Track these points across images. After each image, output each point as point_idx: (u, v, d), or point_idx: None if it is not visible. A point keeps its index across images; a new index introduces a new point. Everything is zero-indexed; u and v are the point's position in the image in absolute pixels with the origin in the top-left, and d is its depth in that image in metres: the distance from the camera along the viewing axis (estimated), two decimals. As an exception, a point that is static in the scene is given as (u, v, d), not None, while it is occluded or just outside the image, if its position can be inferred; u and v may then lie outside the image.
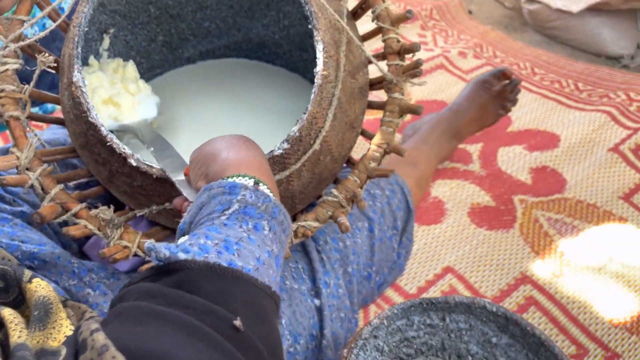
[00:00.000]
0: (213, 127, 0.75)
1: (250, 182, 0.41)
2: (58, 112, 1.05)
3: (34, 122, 0.96)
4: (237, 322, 0.32)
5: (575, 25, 1.41)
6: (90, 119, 0.52)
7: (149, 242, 0.37)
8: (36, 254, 0.58)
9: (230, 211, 0.39)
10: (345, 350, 0.57)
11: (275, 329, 0.36)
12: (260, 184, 0.41)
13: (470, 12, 1.56)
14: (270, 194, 0.41)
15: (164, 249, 0.36)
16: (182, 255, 0.35)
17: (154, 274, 0.36)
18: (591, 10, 1.37)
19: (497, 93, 0.97)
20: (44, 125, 0.99)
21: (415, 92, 1.23)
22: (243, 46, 0.84)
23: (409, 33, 1.44)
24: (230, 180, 0.40)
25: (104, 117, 0.64)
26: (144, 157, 0.53)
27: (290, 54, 0.83)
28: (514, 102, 0.98)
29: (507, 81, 0.96)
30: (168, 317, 0.31)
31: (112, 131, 0.62)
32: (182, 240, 0.38)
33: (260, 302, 0.35)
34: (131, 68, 0.70)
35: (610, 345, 0.78)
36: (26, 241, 0.59)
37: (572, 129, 1.12)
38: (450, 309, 0.63)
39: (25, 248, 0.58)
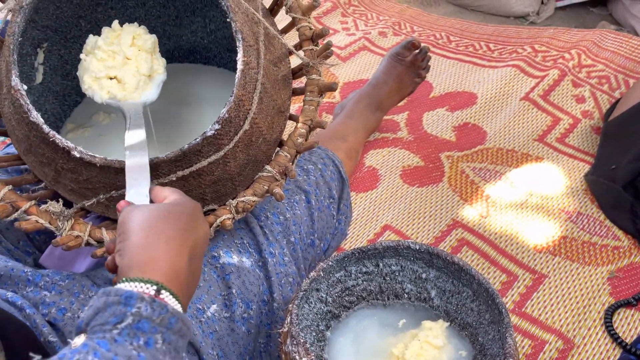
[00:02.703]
0: (157, 124, 0.80)
1: (152, 290, 0.41)
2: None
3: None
4: None
5: (482, -8, 1.52)
6: (31, 119, 0.57)
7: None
8: None
9: (123, 325, 0.39)
10: (290, 305, 0.64)
11: None
12: (163, 291, 0.41)
13: (386, -7, 1.65)
14: (170, 302, 0.41)
15: None
16: None
17: None
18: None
19: (410, 63, 1.05)
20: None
21: (342, 74, 1.31)
22: (175, 54, 0.89)
23: (331, 22, 1.52)
24: (128, 288, 0.41)
25: (98, 89, 0.64)
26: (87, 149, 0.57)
27: (221, 56, 0.88)
28: (427, 68, 1.07)
29: (417, 50, 1.05)
30: None
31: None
32: (77, 341, 0.39)
33: None
34: (150, 41, 0.68)
35: (536, 268, 0.87)
36: None
37: (487, 86, 1.22)
38: (380, 255, 0.70)
39: None
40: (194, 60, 0.89)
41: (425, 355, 0.63)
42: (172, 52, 0.89)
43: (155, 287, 0.41)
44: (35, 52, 0.74)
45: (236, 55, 0.86)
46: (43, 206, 0.60)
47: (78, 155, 0.57)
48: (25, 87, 0.59)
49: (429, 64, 1.07)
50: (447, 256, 0.68)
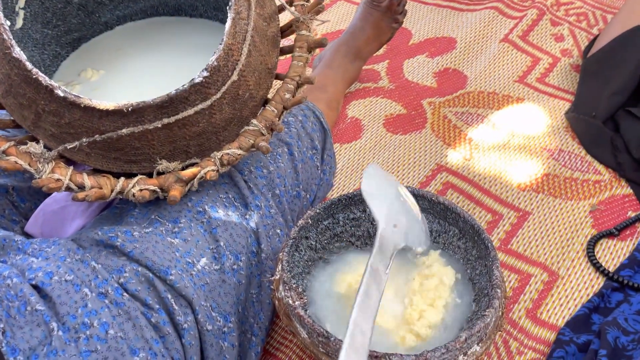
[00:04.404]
0: (145, 78, 0.78)
1: None
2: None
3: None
4: None
5: None
6: (14, 54, 0.54)
7: None
8: None
9: None
10: (280, 253, 0.65)
11: None
12: None
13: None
14: None
15: None
16: None
17: None
18: None
19: (386, 8, 1.03)
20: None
21: (320, 26, 1.28)
22: (159, 10, 0.86)
23: (305, -27, 1.47)
24: None
25: None
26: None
27: (206, 15, 0.86)
28: (404, 13, 1.05)
29: (392, -5, 1.03)
30: None
31: None
32: None
33: None
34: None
35: (520, 206, 0.88)
36: None
37: (466, 30, 1.21)
38: (367, 200, 0.71)
39: None
40: (179, 17, 0.87)
41: (427, 285, 0.63)
42: (156, 9, 0.86)
43: None
44: None
45: (222, 14, 0.84)
46: (23, 147, 0.59)
47: (62, 95, 0.55)
48: (8, 22, 0.56)
49: (406, 8, 1.06)
50: (432, 196, 0.68)
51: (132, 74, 0.79)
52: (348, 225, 0.72)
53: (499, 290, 0.58)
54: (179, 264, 0.64)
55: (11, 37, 0.55)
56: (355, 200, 0.71)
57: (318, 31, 1.27)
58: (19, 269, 0.60)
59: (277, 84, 0.71)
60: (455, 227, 0.68)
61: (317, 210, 0.69)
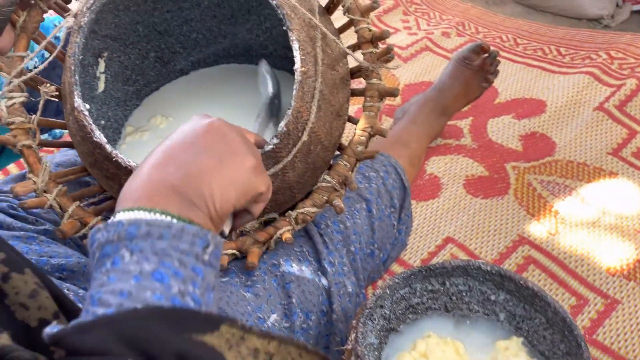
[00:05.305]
0: None
1: (128, 215, 0.38)
2: (66, 135, 1.11)
3: (45, 148, 1.01)
4: None
5: (553, -8, 1.44)
6: (95, 139, 0.57)
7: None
8: (64, 265, 0.63)
9: (94, 262, 0.38)
10: (354, 321, 0.62)
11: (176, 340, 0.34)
12: (120, 213, 0.38)
13: (449, -9, 1.59)
14: (125, 216, 0.38)
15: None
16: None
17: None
18: (566, -25, 1.40)
19: (478, 67, 1.00)
20: (54, 149, 1.05)
21: (403, 75, 1.27)
22: (231, 51, 0.89)
23: (392, 20, 1.48)
24: (97, 232, 0.38)
25: None
26: None
27: (277, 54, 0.87)
28: (495, 73, 1.02)
29: (485, 54, 1.00)
30: None
31: None
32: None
33: (142, 329, 0.33)
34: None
35: (609, 293, 0.82)
36: (54, 256, 0.64)
37: (558, 93, 1.16)
38: (448, 274, 0.67)
39: (53, 262, 0.63)
40: (250, 57, 0.88)
41: None
42: (228, 50, 0.88)
43: (129, 213, 0.38)
44: (96, 62, 0.75)
45: (291, 52, 0.84)
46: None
47: None
48: (87, 106, 0.59)
49: (498, 68, 1.03)
50: (520, 280, 0.64)
51: None
52: (425, 297, 0.69)
53: (592, 399, 0.53)
54: (250, 318, 0.63)
55: (91, 122, 0.57)
56: (436, 272, 0.67)
57: (401, 81, 1.26)
58: None
59: (350, 127, 0.68)
60: (543, 316, 0.63)
61: (396, 280, 0.66)
